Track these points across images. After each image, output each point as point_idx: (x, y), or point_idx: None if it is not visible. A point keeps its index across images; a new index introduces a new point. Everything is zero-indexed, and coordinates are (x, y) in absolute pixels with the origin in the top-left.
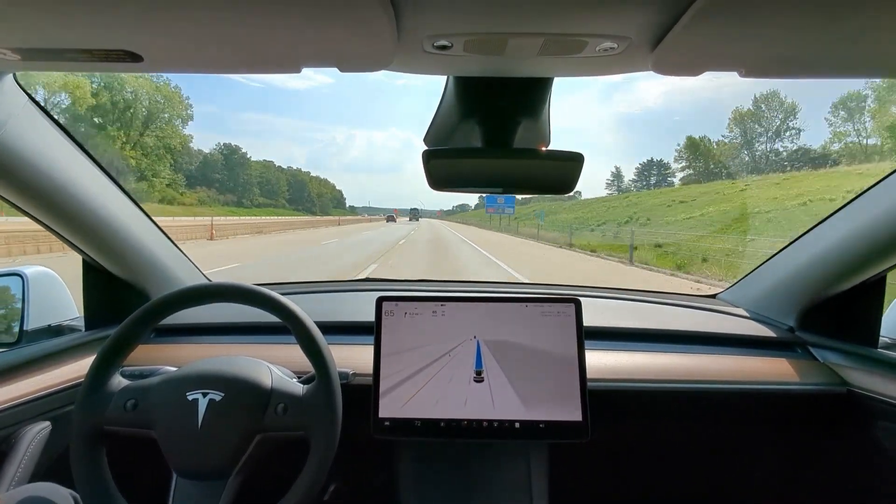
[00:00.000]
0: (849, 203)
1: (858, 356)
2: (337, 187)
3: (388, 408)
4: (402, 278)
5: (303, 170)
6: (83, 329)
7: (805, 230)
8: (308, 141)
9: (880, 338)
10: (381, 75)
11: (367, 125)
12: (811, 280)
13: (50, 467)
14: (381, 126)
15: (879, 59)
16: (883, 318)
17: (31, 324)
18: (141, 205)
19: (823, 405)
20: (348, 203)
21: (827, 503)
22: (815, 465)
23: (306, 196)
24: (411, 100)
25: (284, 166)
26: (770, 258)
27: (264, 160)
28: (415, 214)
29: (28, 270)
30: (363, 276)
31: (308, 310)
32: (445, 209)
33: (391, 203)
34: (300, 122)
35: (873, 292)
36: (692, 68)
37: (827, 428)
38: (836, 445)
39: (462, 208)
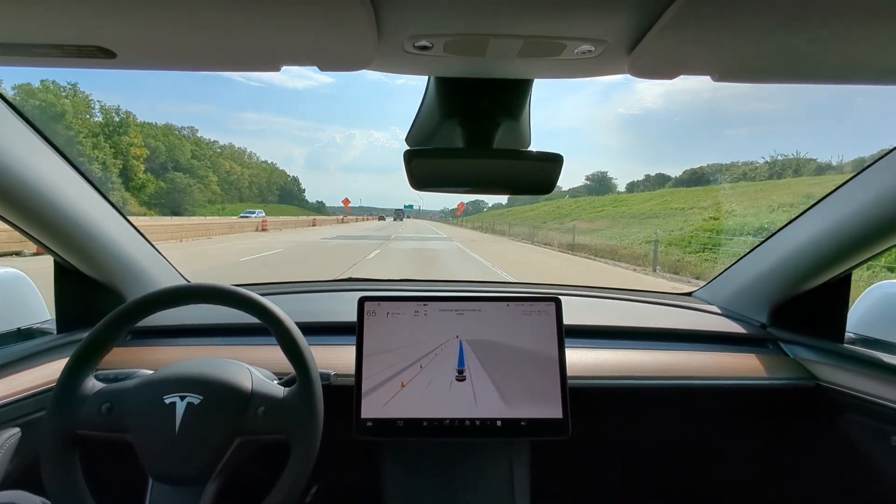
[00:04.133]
0: (816, 204)
1: (826, 351)
2: (290, 174)
3: (371, 408)
4: (385, 278)
5: (127, 112)
6: (55, 332)
7: (775, 230)
8: (307, 141)
9: (846, 333)
10: (381, 75)
11: (367, 125)
12: (781, 278)
13: (20, 475)
14: (381, 125)
15: (849, 65)
16: (848, 314)
17: None
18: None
19: (793, 399)
20: (316, 198)
21: (798, 491)
22: (786, 456)
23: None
24: (412, 99)
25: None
26: (742, 257)
27: None
28: (399, 215)
29: None
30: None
31: (288, 310)
32: (453, 208)
33: (390, 203)
34: (299, 121)
35: (839, 290)
36: (667, 72)
37: (797, 420)
38: (806, 437)
39: (475, 207)
